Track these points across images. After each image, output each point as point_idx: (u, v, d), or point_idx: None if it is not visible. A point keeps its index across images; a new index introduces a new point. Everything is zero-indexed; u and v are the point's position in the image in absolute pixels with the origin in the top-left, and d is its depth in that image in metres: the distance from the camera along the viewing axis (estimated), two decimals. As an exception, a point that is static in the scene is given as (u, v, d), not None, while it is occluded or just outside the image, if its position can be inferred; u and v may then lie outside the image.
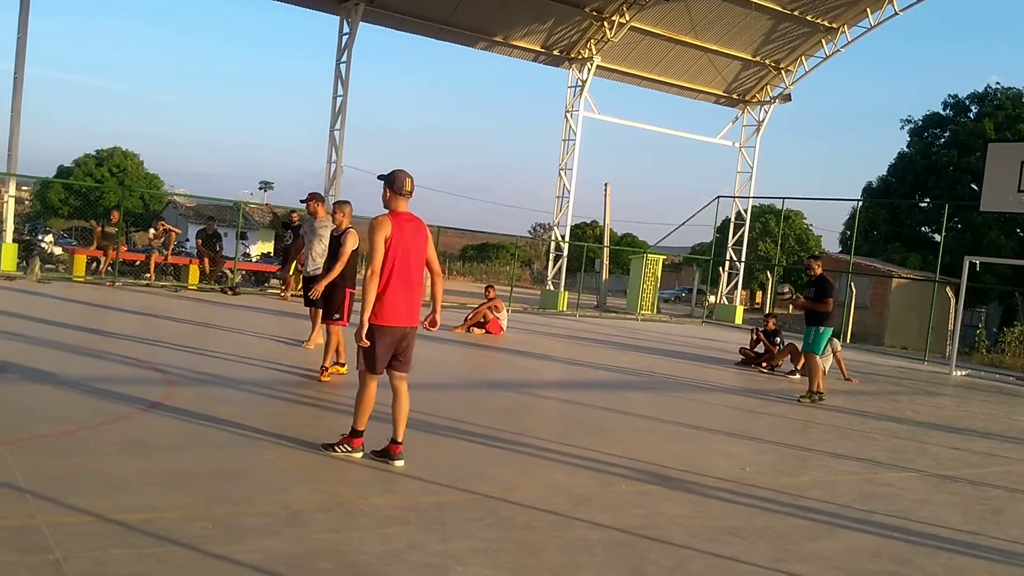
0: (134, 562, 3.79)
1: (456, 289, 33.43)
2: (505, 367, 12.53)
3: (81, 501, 4.45)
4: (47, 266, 19.88)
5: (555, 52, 26.50)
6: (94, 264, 19.40)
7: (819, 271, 11.53)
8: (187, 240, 26.70)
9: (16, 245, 18.88)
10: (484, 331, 15.78)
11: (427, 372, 9.96)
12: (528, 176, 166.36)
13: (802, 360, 13.70)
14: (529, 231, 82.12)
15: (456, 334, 15.31)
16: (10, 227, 18.65)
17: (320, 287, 8.12)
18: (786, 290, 13.75)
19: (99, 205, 42.04)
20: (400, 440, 5.94)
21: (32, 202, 56.58)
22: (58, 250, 21.75)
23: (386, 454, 5.95)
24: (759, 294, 53.84)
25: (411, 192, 5.93)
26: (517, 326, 17.91)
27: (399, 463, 5.88)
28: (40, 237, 22.28)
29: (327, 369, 8.99)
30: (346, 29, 22.94)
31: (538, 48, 26.27)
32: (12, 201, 19.11)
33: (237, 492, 4.96)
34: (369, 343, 5.77)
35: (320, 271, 10.61)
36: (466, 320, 16.07)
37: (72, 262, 19.39)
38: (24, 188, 48.09)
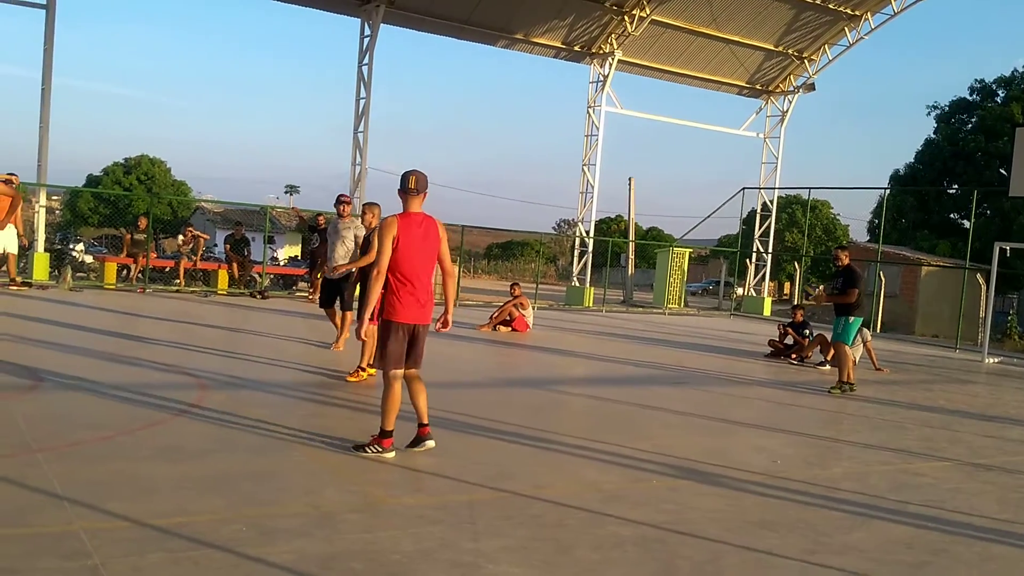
0: (171, 566, 3.85)
1: (481, 287, 33.50)
2: (532, 364, 12.54)
3: (118, 506, 4.52)
4: (79, 274, 20.12)
5: (576, 48, 26.45)
6: (125, 271, 19.64)
7: (846, 261, 11.44)
8: (215, 245, 26.93)
9: (48, 255, 19.15)
10: (510, 329, 15.80)
11: (455, 371, 10.00)
12: (552, 173, 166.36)
13: (832, 351, 13.61)
14: (554, 227, 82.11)
15: (482, 333, 15.34)
16: (41, 237, 18.91)
17: (342, 268, 8.10)
18: (811, 297, 13.74)
19: (128, 213, 42.50)
20: (426, 423, 6.17)
21: (62, 211, 57.37)
22: (89, 258, 22.00)
23: (418, 440, 6.16)
24: (787, 285, 53.45)
25: (416, 188, 6.00)
26: (543, 323, 17.92)
27: (430, 443, 6.14)
28: (71, 246, 22.50)
29: (364, 369, 9.03)
30: (367, 31, 23.03)
31: (559, 44, 26.23)
32: (43, 211, 19.38)
33: (269, 494, 5.01)
34: (380, 339, 5.97)
35: (344, 273, 10.70)
36: (492, 318, 16.10)
37: (103, 270, 19.63)
38: (54, 198, 48.76)
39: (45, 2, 18.61)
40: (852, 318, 11.23)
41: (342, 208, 10.74)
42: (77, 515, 4.37)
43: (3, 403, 6.84)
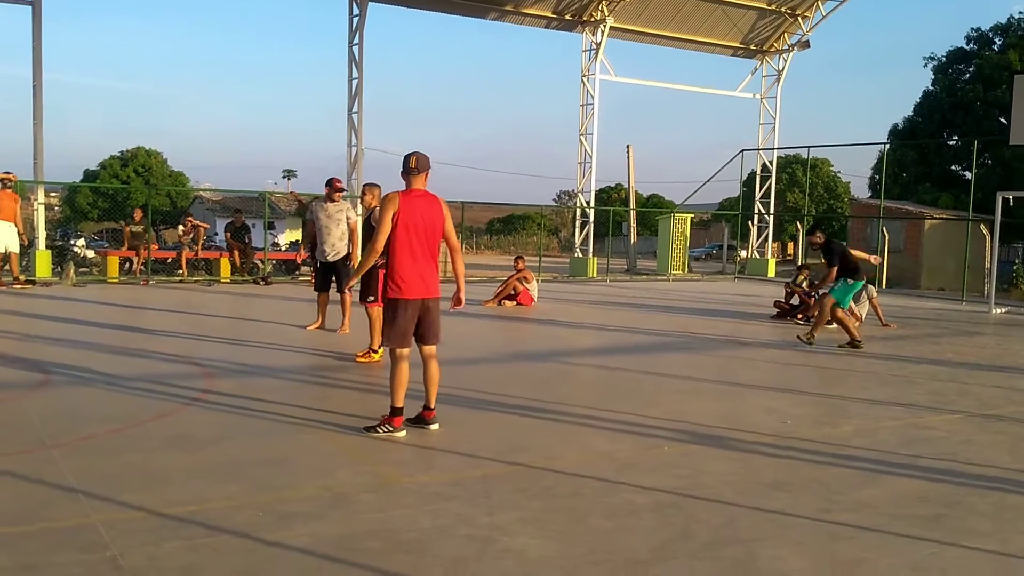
0: (188, 553, 3.86)
1: (484, 263, 33.48)
2: (539, 337, 12.54)
3: (133, 498, 4.54)
4: (81, 270, 20.15)
5: (567, 16, 26.22)
6: (127, 264, 19.65)
7: (822, 241, 11.50)
8: (216, 234, 26.95)
9: (49, 251, 19.15)
10: (515, 303, 15.80)
11: (462, 347, 10.01)
12: (550, 144, 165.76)
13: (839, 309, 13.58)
14: (554, 199, 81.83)
15: (488, 308, 15.34)
16: (42, 234, 18.91)
17: (353, 281, 7.79)
18: (804, 285, 13.92)
19: (127, 206, 42.52)
20: (432, 407, 6.21)
21: (62, 207, 57.34)
22: (91, 253, 22.03)
23: (420, 420, 6.21)
24: (791, 245, 53.37)
25: (416, 168, 6.05)
26: (548, 296, 17.91)
27: (433, 427, 6.19)
28: (72, 242, 22.54)
29: (374, 351, 9.03)
30: (356, 11, 22.86)
31: (549, 14, 26.01)
32: (42, 208, 19.36)
33: (283, 478, 5.03)
34: (387, 316, 6.02)
35: (340, 256, 10.67)
36: (497, 293, 16.09)
37: (105, 264, 19.65)
38: (53, 194, 48.71)
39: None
40: (852, 281, 11.34)
41: (333, 192, 10.68)
42: (93, 508, 4.39)
43: (16, 400, 6.86)
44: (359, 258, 9.17)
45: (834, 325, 13.47)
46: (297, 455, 5.56)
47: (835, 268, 11.22)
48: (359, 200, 9.90)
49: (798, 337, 11.30)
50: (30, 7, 18.55)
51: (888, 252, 24.62)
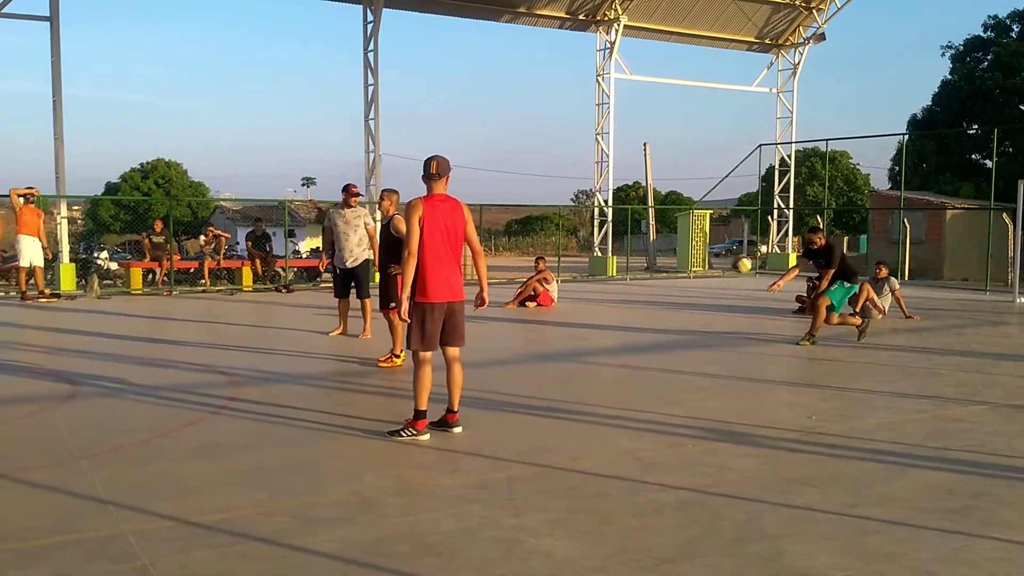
0: (217, 561, 3.91)
1: (504, 264, 33.51)
2: (559, 338, 12.55)
3: (162, 507, 4.59)
4: (105, 282, 20.34)
5: (580, 16, 26.24)
6: (150, 276, 19.82)
7: (823, 242, 11.43)
8: (237, 243, 27.11)
9: (73, 265, 19.36)
10: (535, 304, 15.81)
11: (482, 349, 10.03)
12: (566, 145, 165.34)
13: (861, 301, 13.52)
14: (572, 199, 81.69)
15: (508, 309, 15.37)
16: (65, 247, 19.12)
17: (405, 304, 7.37)
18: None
19: (149, 218, 42.85)
20: (455, 409, 6.26)
21: (84, 221, 57.92)
22: (114, 265, 22.22)
23: (443, 423, 6.26)
24: (810, 240, 52.97)
25: (438, 174, 6.09)
26: (568, 296, 17.91)
27: (457, 430, 6.23)
28: (95, 254, 22.75)
29: (396, 356, 9.08)
30: (370, 17, 22.96)
31: (563, 14, 26.04)
32: (65, 222, 19.59)
33: (309, 484, 5.06)
34: (415, 320, 6.02)
35: (359, 263, 10.71)
36: (517, 295, 16.11)
37: (129, 276, 19.83)
38: (75, 208, 49.26)
39: (48, 14, 18.69)
40: (849, 283, 11.38)
41: (350, 198, 10.75)
42: (123, 518, 4.44)
43: (45, 413, 6.95)
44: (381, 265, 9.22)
45: (858, 319, 13.43)
46: (323, 461, 5.60)
47: (832, 270, 11.15)
48: (377, 206, 9.94)
49: (798, 343, 11.10)
50: (48, 23, 18.75)
51: (910, 243, 24.43)
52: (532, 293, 15.92)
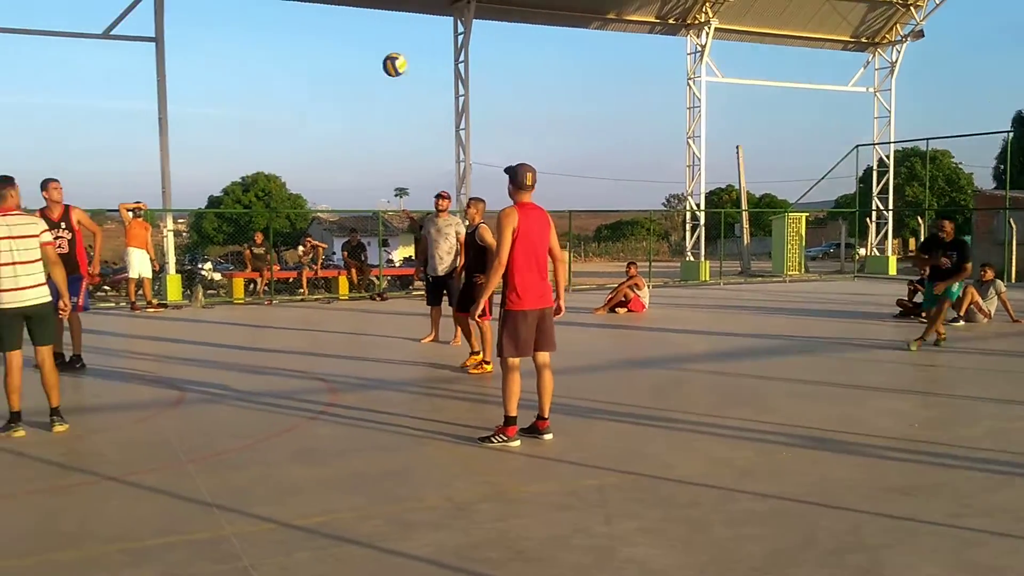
0: (316, 564, 4.02)
1: (593, 270, 33.39)
2: (651, 344, 12.45)
3: (263, 510, 4.75)
4: (209, 292, 21.07)
5: (671, 20, 26.00)
6: (251, 285, 20.48)
7: (952, 235, 10.91)
8: (333, 253, 27.72)
9: (179, 276, 20.14)
10: (627, 310, 15.72)
11: (574, 356, 10.03)
12: (657, 148, 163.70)
13: (965, 305, 13.04)
14: (663, 203, 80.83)
15: (598, 316, 15.32)
16: (172, 259, 19.90)
17: (481, 305, 7.49)
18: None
19: (250, 230, 44.23)
20: (546, 416, 6.30)
21: (189, 233, 60.10)
22: (217, 276, 23.00)
23: (534, 430, 6.30)
24: (912, 242, 51.26)
25: (532, 185, 6.20)
26: (660, 301, 17.75)
27: (547, 436, 6.26)
28: (200, 266, 23.59)
29: (487, 362, 9.18)
30: (460, 29, 23.26)
31: (653, 19, 25.85)
32: (171, 235, 20.40)
33: (404, 489, 5.16)
34: (507, 328, 6.10)
35: (450, 270, 10.86)
36: (608, 300, 16.05)
37: (231, 286, 20.55)
38: (180, 221, 51.12)
39: (154, 35, 19.54)
40: (956, 284, 10.88)
41: (440, 203, 10.90)
42: (227, 520, 4.61)
43: (154, 419, 7.25)
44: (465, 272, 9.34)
45: (962, 323, 12.93)
46: (417, 466, 5.69)
47: (967, 267, 10.65)
48: (463, 214, 10.06)
49: (909, 347, 10.64)
50: (153, 43, 19.62)
51: (1016, 244, 23.39)
52: (623, 299, 15.84)
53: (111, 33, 19.60)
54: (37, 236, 6.63)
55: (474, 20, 22.98)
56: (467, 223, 10.00)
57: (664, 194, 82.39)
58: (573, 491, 5.12)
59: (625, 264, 17.49)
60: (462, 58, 23.29)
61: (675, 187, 74.82)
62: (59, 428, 6.67)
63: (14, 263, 6.47)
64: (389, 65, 8.33)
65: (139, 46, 19.78)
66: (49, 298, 6.72)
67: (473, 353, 9.49)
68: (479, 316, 9.12)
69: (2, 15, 41.73)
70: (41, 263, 6.66)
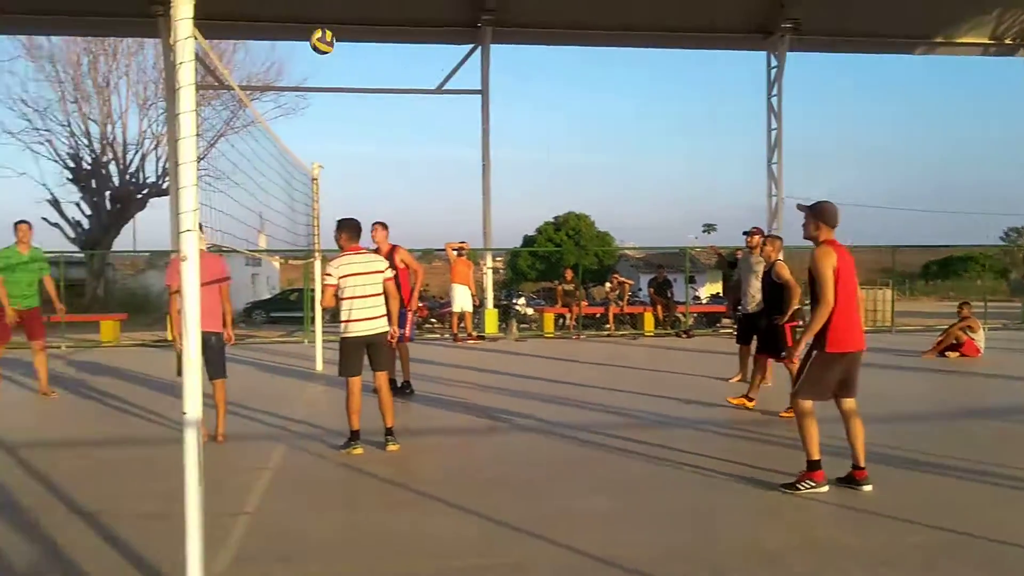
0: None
1: (920, 310, 30.80)
2: (987, 392, 11.23)
3: (567, 539, 4.86)
4: (522, 326, 22.10)
5: (1007, 40, 23.63)
6: (561, 320, 21.23)
7: None
8: (640, 289, 28.05)
9: (496, 310, 21.37)
10: (958, 354, 14.33)
11: (895, 402, 9.32)
12: (991, 179, 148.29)
13: None
14: (1000, 237, 73.02)
15: (927, 360, 14.11)
16: (490, 295, 21.20)
17: (802, 347, 7.26)
18: None
19: (560, 267, 45.97)
20: (862, 465, 5.92)
21: (505, 270, 63.53)
22: (530, 311, 24.09)
23: (851, 480, 5.94)
24: None
25: (835, 223, 5.99)
26: (997, 345, 15.99)
27: (867, 488, 5.87)
28: (514, 301, 24.86)
29: (754, 404, 8.90)
30: (773, 63, 22.79)
31: (986, 40, 23.67)
32: (490, 272, 21.74)
33: (707, 531, 5.08)
34: (815, 370, 5.86)
35: (760, 308, 10.54)
36: (937, 344, 14.73)
37: (542, 320, 21.44)
38: (498, 259, 54.25)
39: (480, 88, 21.21)
40: None
41: (750, 240, 10.64)
42: (535, 547, 4.78)
43: (470, 445, 7.75)
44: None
45: None
46: (720, 508, 5.57)
47: None
48: (759, 251, 9.81)
49: None
50: (479, 95, 21.27)
51: None
52: (955, 342, 14.47)
53: (444, 88, 21.68)
54: (381, 272, 7.33)
55: (789, 52, 22.40)
56: (762, 260, 9.74)
57: (1002, 227, 74.55)
58: (892, 546, 4.75)
59: (957, 304, 15.98)
60: (775, 92, 22.76)
61: (1015, 220, 67.55)
62: (392, 447, 7.29)
63: (364, 296, 7.19)
64: (318, 43, 8.06)
65: (467, 98, 21.70)
66: (387, 328, 7.37)
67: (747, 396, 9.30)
68: (781, 358, 8.83)
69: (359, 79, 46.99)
70: (382, 297, 7.32)
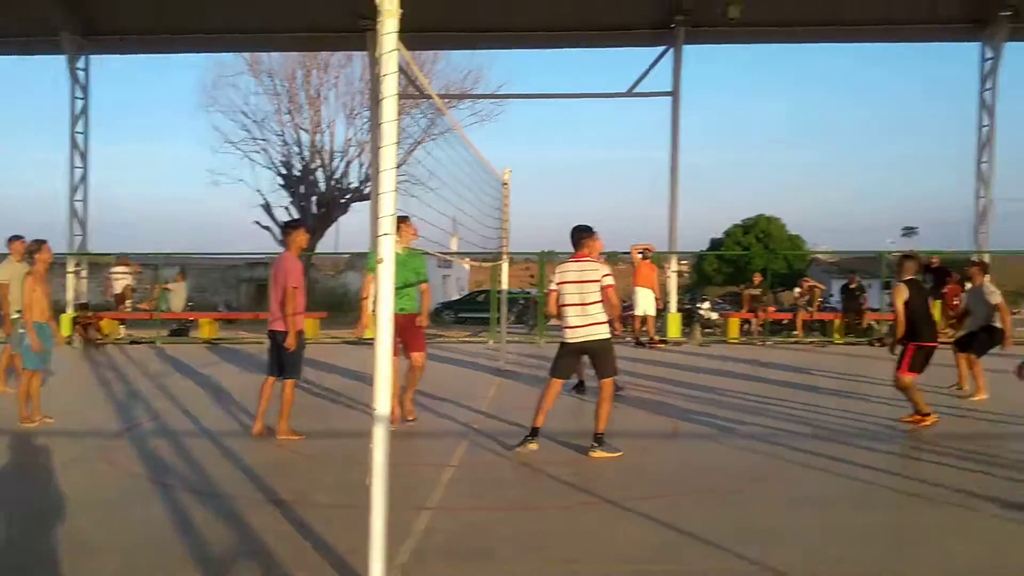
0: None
1: None
2: None
3: (750, 551, 4.84)
4: (706, 330, 21.75)
5: None
6: (746, 325, 20.75)
7: None
8: (831, 295, 26.92)
9: (679, 314, 21.15)
10: None
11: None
12: None
13: None
14: None
15: None
16: (674, 299, 21.00)
17: None
18: None
19: (748, 271, 44.82)
20: None
21: (690, 274, 62.56)
22: (714, 315, 23.66)
23: None
24: None
25: None
26: None
27: None
28: (699, 305, 24.48)
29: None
30: (987, 54, 21.31)
31: None
32: (674, 275, 21.54)
33: (903, 552, 4.95)
34: None
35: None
36: None
37: (727, 325, 21.03)
38: (683, 262, 53.48)
39: (671, 90, 21.11)
40: None
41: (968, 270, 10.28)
42: (715, 557, 4.80)
43: (652, 449, 7.81)
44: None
45: None
46: (915, 528, 5.40)
47: None
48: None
49: None
50: (670, 98, 21.18)
51: None
52: None
53: (634, 91, 21.75)
54: (599, 281, 7.38)
55: (1006, 43, 20.90)
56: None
57: None
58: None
59: None
60: (988, 86, 21.28)
61: None
62: (594, 454, 7.25)
63: (575, 304, 7.33)
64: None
65: (656, 101, 21.64)
66: (604, 336, 7.38)
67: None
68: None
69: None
70: (598, 305, 7.33)
